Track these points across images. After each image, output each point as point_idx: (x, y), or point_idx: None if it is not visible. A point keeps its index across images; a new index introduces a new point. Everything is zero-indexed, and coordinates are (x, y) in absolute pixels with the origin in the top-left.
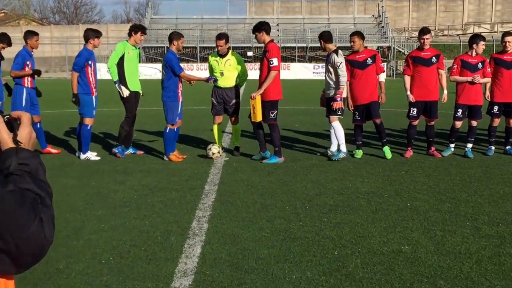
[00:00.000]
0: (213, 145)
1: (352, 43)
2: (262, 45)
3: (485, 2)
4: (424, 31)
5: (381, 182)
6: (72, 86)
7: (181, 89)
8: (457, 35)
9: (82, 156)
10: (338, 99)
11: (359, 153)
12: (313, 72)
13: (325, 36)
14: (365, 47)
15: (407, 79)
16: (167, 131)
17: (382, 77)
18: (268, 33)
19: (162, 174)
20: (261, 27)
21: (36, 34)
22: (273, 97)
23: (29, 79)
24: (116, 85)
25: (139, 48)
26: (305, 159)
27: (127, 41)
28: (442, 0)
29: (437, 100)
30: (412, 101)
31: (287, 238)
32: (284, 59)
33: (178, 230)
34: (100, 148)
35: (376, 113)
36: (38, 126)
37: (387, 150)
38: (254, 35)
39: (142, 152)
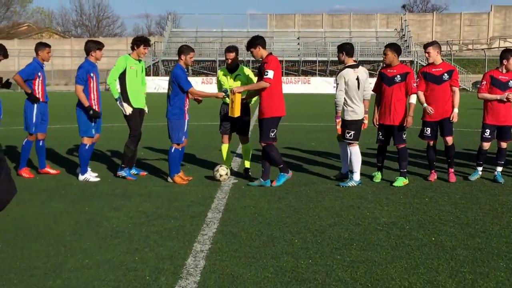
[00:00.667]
0: (220, 166)
1: (384, 55)
2: (289, 58)
3: (511, 16)
4: (426, 45)
5: (402, 210)
6: (82, 100)
7: (187, 106)
8: (482, 49)
9: (81, 177)
10: (336, 120)
11: (378, 177)
12: (334, 87)
13: (347, 49)
14: (400, 62)
15: (421, 94)
16: (172, 151)
17: (413, 98)
18: (264, 46)
19: (163, 199)
20: (256, 41)
21: (47, 46)
22: (274, 113)
23: (41, 92)
24: (118, 102)
25: (143, 61)
26: (320, 182)
27: (129, 54)
28: (467, 13)
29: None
30: (431, 112)
31: (293, 280)
32: (305, 73)
33: (170, 268)
34: (104, 167)
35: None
36: (41, 144)
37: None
38: (249, 52)
39: (145, 173)
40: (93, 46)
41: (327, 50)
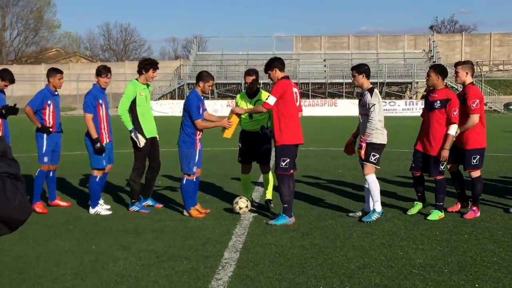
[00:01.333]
0: (240, 198)
1: (427, 77)
2: (315, 80)
3: None
4: (456, 63)
5: (439, 250)
6: (91, 130)
7: (200, 135)
8: None
9: (91, 211)
10: (363, 144)
11: (417, 207)
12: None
13: (364, 70)
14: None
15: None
16: (184, 182)
17: (452, 129)
18: (281, 69)
19: (177, 235)
20: (272, 64)
21: (59, 72)
22: (287, 140)
23: (52, 122)
24: (132, 134)
25: (149, 86)
26: (342, 213)
27: (137, 79)
28: (497, 34)
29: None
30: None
31: None
32: (331, 95)
33: None
34: (119, 197)
35: (434, 170)
36: (51, 174)
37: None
38: (267, 75)
39: (161, 206)
40: (101, 71)
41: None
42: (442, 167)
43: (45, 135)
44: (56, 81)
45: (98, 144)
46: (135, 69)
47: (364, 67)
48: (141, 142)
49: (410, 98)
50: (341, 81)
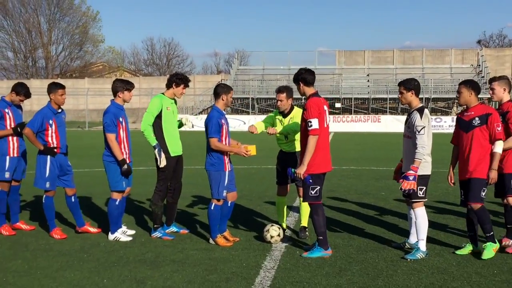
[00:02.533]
0: (272, 226)
1: (458, 94)
2: (358, 96)
3: None
4: (491, 79)
5: None
6: (115, 151)
7: (229, 154)
8: None
9: (111, 236)
10: (410, 177)
11: (467, 249)
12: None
13: (414, 87)
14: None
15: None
16: (212, 208)
17: (498, 147)
18: (308, 83)
19: (199, 268)
20: (298, 76)
21: (61, 87)
22: (316, 169)
23: (56, 142)
24: (156, 150)
25: (176, 102)
26: (391, 248)
27: (163, 93)
28: None
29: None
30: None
31: None
32: (375, 111)
33: None
34: (143, 220)
35: (474, 195)
36: (73, 200)
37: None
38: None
39: (186, 231)
40: (121, 86)
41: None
42: (483, 194)
43: (48, 158)
44: (57, 97)
45: (126, 166)
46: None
47: (413, 83)
48: (162, 162)
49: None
50: (385, 96)
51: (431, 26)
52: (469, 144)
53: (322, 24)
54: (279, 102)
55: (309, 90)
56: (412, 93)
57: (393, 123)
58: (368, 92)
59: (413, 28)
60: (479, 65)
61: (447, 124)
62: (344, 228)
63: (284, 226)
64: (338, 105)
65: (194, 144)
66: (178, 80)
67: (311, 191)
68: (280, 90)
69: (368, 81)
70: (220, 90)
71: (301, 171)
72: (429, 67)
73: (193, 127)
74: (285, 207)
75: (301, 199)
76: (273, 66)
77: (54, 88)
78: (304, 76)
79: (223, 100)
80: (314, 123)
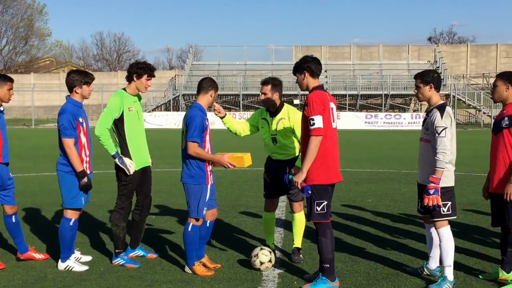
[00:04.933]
0: (261, 249)
1: (492, 88)
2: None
3: None
4: (498, 75)
5: None
6: (73, 161)
7: (211, 166)
8: None
9: (61, 265)
10: (431, 191)
11: (496, 275)
12: (366, 122)
13: (433, 79)
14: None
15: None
16: (189, 229)
17: None
18: (314, 74)
19: None
20: (303, 65)
21: (8, 80)
22: (322, 179)
23: None
24: (117, 160)
25: (141, 98)
26: (406, 271)
27: (125, 89)
28: (504, 45)
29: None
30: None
31: None
32: None
33: None
34: (103, 241)
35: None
36: (13, 220)
37: None
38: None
39: (155, 256)
40: (78, 80)
41: (357, 83)
42: None
43: None
44: (4, 92)
45: (85, 179)
46: None
47: (432, 75)
48: (131, 168)
49: (415, 110)
50: (343, 92)
51: (385, 23)
52: (497, 149)
53: (277, 20)
54: (262, 95)
55: (313, 82)
56: (431, 87)
57: (353, 120)
58: (327, 89)
59: (368, 24)
60: (436, 61)
61: (406, 121)
62: (340, 248)
63: (273, 246)
64: (296, 101)
65: (149, 142)
66: (139, 69)
67: (317, 207)
68: (265, 81)
69: (326, 77)
70: (209, 84)
71: (299, 179)
72: (387, 63)
73: None
74: (273, 224)
75: (295, 214)
76: (228, 61)
77: (1, 81)
78: (311, 66)
79: (211, 96)
80: (317, 121)
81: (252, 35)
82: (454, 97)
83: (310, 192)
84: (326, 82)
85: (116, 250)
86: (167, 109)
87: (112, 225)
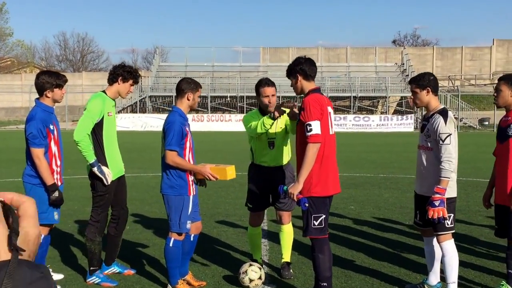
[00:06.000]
0: (250, 266)
1: (495, 93)
2: (284, 94)
3: None
4: (499, 78)
5: None
6: (43, 173)
7: (192, 175)
8: (485, 85)
9: None
10: (436, 202)
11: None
12: (335, 124)
13: (429, 83)
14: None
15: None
16: (170, 244)
17: None
18: (308, 77)
19: None
20: (296, 67)
21: None
22: (318, 191)
23: None
24: (95, 168)
25: (115, 102)
26: (395, 287)
27: (104, 91)
28: (468, 48)
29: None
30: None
31: None
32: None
33: None
34: (74, 258)
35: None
36: None
37: None
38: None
39: (133, 272)
40: (49, 82)
41: (325, 85)
42: None
43: None
44: None
45: (56, 194)
46: (93, 80)
47: (428, 78)
48: (109, 178)
49: (382, 113)
50: None
51: (350, 25)
52: (502, 158)
53: (244, 21)
54: (268, 98)
55: (308, 86)
56: (428, 91)
57: None
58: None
59: (333, 26)
60: (403, 64)
61: (374, 123)
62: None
63: (261, 261)
64: None
65: (119, 145)
66: (127, 73)
67: (314, 222)
68: (268, 83)
69: None
70: (185, 86)
71: (295, 190)
72: (354, 65)
73: None
74: (260, 239)
75: (283, 225)
76: (196, 63)
77: None
78: (304, 68)
79: (188, 100)
80: (315, 127)
81: (219, 37)
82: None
83: (307, 205)
84: None
85: (91, 268)
86: (133, 111)
87: (87, 240)
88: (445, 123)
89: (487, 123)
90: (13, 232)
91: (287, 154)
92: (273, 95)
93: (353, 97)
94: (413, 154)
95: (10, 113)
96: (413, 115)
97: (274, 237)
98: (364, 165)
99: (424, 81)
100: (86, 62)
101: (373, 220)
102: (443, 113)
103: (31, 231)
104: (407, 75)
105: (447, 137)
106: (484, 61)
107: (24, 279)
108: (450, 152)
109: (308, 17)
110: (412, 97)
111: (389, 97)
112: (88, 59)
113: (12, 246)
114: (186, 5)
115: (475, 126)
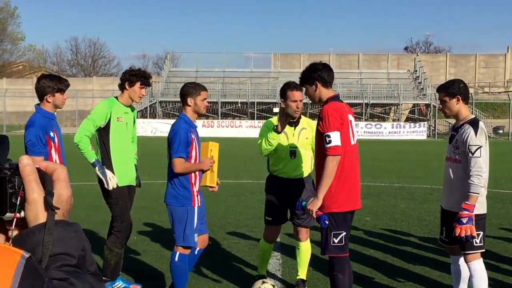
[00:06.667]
0: (263, 283)
1: None
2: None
3: None
4: None
5: None
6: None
7: (198, 184)
8: (499, 92)
9: None
10: (464, 219)
11: None
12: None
13: (459, 90)
14: None
15: None
16: (176, 259)
17: None
18: (326, 83)
19: None
20: (314, 74)
21: None
22: (338, 206)
23: None
24: (97, 168)
25: (134, 110)
26: None
27: (116, 97)
28: (482, 55)
29: None
30: None
31: None
32: (312, 116)
33: None
34: None
35: None
36: None
37: None
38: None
39: (138, 287)
40: (50, 87)
41: (336, 91)
42: None
43: None
44: None
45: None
46: (103, 85)
47: (458, 86)
48: (111, 183)
49: (394, 120)
50: None
51: (362, 32)
52: None
53: (256, 27)
54: (296, 103)
55: (327, 93)
56: (459, 99)
57: None
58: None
59: (345, 33)
60: (416, 71)
61: (387, 130)
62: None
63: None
64: (276, 109)
65: None
66: (132, 77)
67: (334, 239)
68: (297, 86)
69: None
70: (184, 91)
71: (315, 206)
72: (366, 71)
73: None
74: (270, 252)
75: (301, 242)
76: (206, 68)
77: None
78: (322, 74)
79: (189, 105)
80: (334, 138)
81: (230, 42)
82: (434, 107)
83: (327, 222)
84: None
85: (104, 278)
86: (143, 116)
87: (106, 249)
88: (476, 134)
89: (501, 131)
90: (48, 193)
91: (309, 166)
92: (300, 101)
93: (365, 104)
94: (427, 163)
95: (21, 117)
96: (426, 122)
97: (287, 251)
98: (378, 174)
99: (454, 89)
100: (97, 67)
101: (390, 233)
102: (474, 123)
103: (64, 192)
104: (420, 82)
105: (477, 149)
106: (499, 69)
107: (67, 240)
108: (480, 166)
109: (320, 24)
110: (424, 105)
111: (401, 104)
112: (99, 64)
113: (48, 205)
114: (197, 11)
115: (490, 135)
